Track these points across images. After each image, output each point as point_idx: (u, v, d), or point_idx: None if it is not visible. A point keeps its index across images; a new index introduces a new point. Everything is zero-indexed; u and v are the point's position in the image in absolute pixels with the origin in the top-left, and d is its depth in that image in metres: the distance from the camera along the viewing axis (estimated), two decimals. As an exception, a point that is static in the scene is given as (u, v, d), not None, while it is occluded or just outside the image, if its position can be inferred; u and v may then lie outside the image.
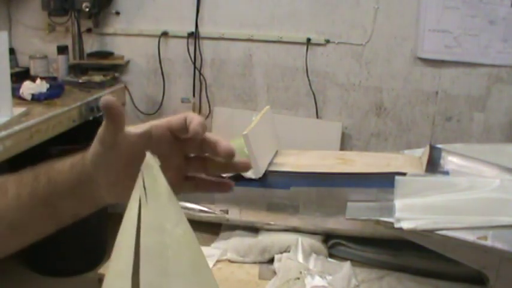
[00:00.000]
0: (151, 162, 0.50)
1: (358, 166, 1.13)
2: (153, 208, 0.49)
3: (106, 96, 0.48)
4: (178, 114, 0.53)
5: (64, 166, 0.55)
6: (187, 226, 0.51)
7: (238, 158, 0.54)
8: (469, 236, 0.90)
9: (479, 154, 1.08)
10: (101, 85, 2.56)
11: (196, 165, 0.57)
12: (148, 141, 0.52)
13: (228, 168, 0.57)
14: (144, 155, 0.49)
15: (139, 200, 0.48)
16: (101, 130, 0.51)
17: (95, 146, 0.52)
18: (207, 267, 0.52)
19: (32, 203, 0.56)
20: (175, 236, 0.49)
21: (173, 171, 0.55)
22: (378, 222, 0.98)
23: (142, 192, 0.48)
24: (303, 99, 2.59)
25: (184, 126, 0.52)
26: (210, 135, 0.53)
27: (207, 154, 0.55)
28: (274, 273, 1.02)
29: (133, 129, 0.52)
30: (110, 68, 2.72)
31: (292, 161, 1.19)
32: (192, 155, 0.57)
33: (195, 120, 0.51)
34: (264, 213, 1.13)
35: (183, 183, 0.58)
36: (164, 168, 0.50)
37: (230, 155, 0.52)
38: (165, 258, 0.47)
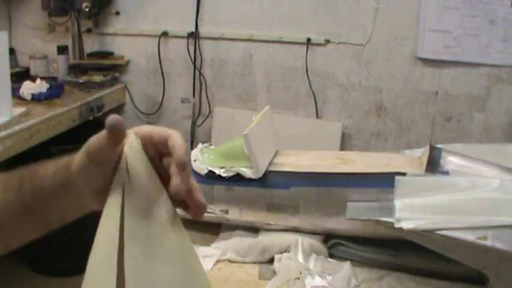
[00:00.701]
0: (134, 145, 0.49)
1: (358, 166, 1.13)
2: (137, 191, 0.47)
3: (113, 116, 0.46)
4: (161, 129, 0.51)
5: (47, 172, 0.54)
6: (171, 208, 0.50)
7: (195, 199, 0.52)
8: (469, 236, 0.90)
9: (479, 154, 1.08)
10: (101, 85, 2.56)
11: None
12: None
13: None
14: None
15: (123, 184, 0.47)
16: (92, 144, 0.49)
17: (82, 158, 0.50)
18: (191, 248, 0.51)
19: (18, 209, 0.55)
20: (159, 219, 0.48)
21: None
22: (378, 222, 0.98)
23: (125, 175, 0.47)
24: (303, 99, 2.59)
25: (163, 144, 0.50)
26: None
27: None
28: (274, 273, 1.02)
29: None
30: (110, 68, 2.72)
31: (292, 161, 1.19)
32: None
33: (179, 148, 0.49)
34: (264, 213, 1.13)
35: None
36: None
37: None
38: (150, 241, 0.46)
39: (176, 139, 0.50)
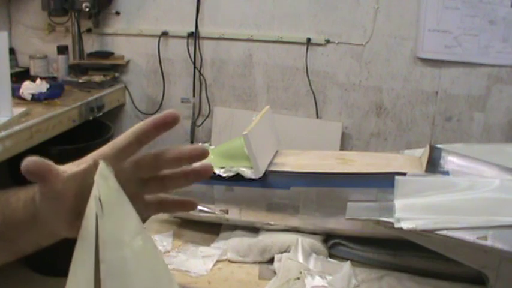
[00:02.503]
0: (105, 173, 0.48)
1: (358, 166, 1.13)
2: (110, 221, 0.46)
3: (26, 160, 0.45)
4: (122, 135, 0.50)
5: (18, 204, 0.53)
6: (146, 236, 0.49)
7: (197, 164, 0.52)
8: (469, 236, 0.89)
9: (479, 154, 1.08)
10: (101, 85, 2.57)
11: (153, 186, 0.55)
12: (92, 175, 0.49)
13: (189, 178, 0.54)
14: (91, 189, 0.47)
15: (96, 214, 0.46)
16: (35, 189, 0.48)
17: (38, 198, 0.49)
18: (170, 277, 0.51)
19: None
20: (134, 249, 0.47)
21: (129, 197, 0.50)
22: (378, 222, 0.98)
23: (97, 205, 0.46)
24: (303, 99, 2.59)
25: (132, 141, 0.49)
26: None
27: (166, 171, 0.53)
28: (274, 273, 1.02)
29: (74, 167, 0.49)
30: (110, 68, 2.72)
31: (292, 161, 1.19)
32: (146, 177, 0.55)
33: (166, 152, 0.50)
34: (264, 213, 1.13)
35: (143, 207, 0.56)
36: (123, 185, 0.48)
37: (204, 153, 0.51)
38: (126, 273, 0.45)
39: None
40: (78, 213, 0.48)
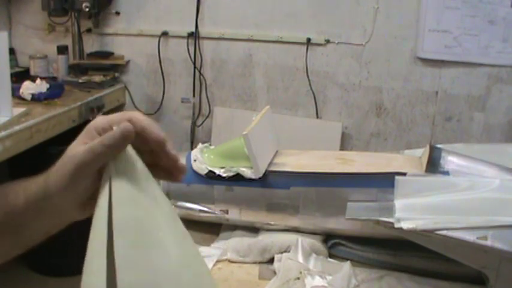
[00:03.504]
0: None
1: (358, 166, 1.13)
2: (125, 181, 0.47)
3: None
4: (119, 114, 0.51)
5: (17, 200, 0.52)
6: (163, 199, 0.49)
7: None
8: (469, 236, 0.89)
9: (479, 154, 1.08)
10: (101, 85, 2.56)
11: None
12: None
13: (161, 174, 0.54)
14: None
15: (110, 177, 0.47)
16: (44, 176, 0.49)
17: (61, 179, 0.49)
18: (188, 238, 0.50)
19: None
20: (150, 209, 0.47)
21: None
22: (378, 222, 0.98)
23: (112, 167, 0.47)
24: (303, 99, 2.59)
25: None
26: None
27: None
28: (274, 273, 1.02)
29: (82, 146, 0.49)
30: (110, 68, 2.72)
31: (292, 161, 1.19)
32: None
33: (152, 128, 0.50)
34: (264, 213, 1.13)
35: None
36: None
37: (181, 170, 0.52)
38: (140, 230, 0.45)
39: (137, 117, 0.50)
40: (92, 192, 0.49)
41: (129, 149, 0.49)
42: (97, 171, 0.49)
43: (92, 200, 0.48)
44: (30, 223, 0.53)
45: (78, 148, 0.49)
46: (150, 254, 0.45)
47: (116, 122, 0.49)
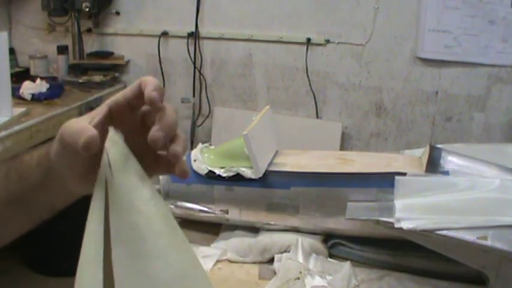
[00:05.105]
0: (115, 139, 0.47)
1: (358, 166, 1.13)
2: (121, 186, 0.45)
3: (89, 133, 0.44)
4: (132, 86, 0.49)
5: (32, 161, 0.53)
6: (160, 202, 0.48)
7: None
8: (469, 236, 0.89)
9: (479, 154, 1.08)
10: (101, 85, 2.56)
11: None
12: (110, 124, 0.49)
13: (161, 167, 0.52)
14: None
15: (106, 181, 0.45)
16: (65, 135, 0.47)
17: (57, 147, 0.49)
18: (186, 243, 0.49)
19: (6, 198, 0.55)
20: (147, 214, 0.45)
21: (141, 151, 0.49)
22: (378, 222, 0.98)
23: (108, 170, 0.45)
24: (303, 99, 2.59)
25: (139, 93, 0.48)
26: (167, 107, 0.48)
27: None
28: (274, 273, 1.02)
29: (89, 119, 0.48)
30: (110, 68, 2.72)
31: (292, 161, 1.19)
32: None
33: (149, 84, 0.47)
34: (264, 213, 1.13)
35: (156, 164, 0.53)
36: (131, 148, 0.47)
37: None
38: (138, 238, 0.44)
39: (147, 78, 0.48)
40: (91, 165, 0.48)
41: (121, 144, 0.48)
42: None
43: (92, 174, 0.47)
44: (41, 190, 0.53)
45: (76, 122, 0.48)
46: (151, 264, 0.44)
47: (131, 94, 0.48)
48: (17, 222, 0.57)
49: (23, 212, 0.56)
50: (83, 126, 0.46)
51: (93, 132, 0.44)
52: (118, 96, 0.49)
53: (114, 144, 0.47)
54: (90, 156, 0.46)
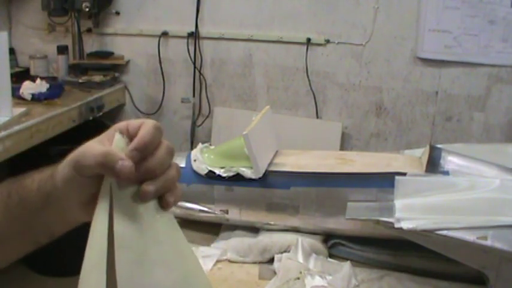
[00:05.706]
0: (120, 144, 0.47)
1: (358, 166, 1.13)
2: (126, 194, 0.45)
3: (124, 163, 0.45)
4: (137, 121, 0.50)
5: (33, 184, 0.53)
6: (165, 211, 0.48)
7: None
8: (469, 236, 0.89)
9: (479, 154, 1.08)
10: (101, 85, 2.56)
11: None
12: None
13: None
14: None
15: (111, 187, 0.45)
16: (80, 160, 0.47)
17: (67, 171, 0.49)
18: (188, 248, 0.49)
19: (7, 220, 0.55)
20: (152, 222, 0.46)
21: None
22: (378, 222, 0.98)
23: (113, 179, 0.46)
24: (303, 99, 2.59)
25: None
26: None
27: None
28: (274, 273, 1.02)
29: (97, 144, 0.49)
30: (110, 68, 2.72)
31: (292, 161, 1.19)
32: None
33: (139, 138, 0.47)
34: (264, 213, 1.13)
35: None
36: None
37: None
38: (142, 245, 0.44)
39: (146, 124, 0.48)
40: (96, 193, 0.48)
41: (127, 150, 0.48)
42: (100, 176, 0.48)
43: (95, 203, 0.48)
44: (40, 215, 0.53)
45: (93, 146, 0.48)
46: (153, 270, 0.44)
47: (133, 126, 0.49)
48: (15, 244, 0.57)
49: (21, 234, 0.56)
50: (107, 149, 0.46)
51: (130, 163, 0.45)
52: (121, 124, 0.50)
53: (120, 150, 0.47)
54: (99, 182, 0.47)
